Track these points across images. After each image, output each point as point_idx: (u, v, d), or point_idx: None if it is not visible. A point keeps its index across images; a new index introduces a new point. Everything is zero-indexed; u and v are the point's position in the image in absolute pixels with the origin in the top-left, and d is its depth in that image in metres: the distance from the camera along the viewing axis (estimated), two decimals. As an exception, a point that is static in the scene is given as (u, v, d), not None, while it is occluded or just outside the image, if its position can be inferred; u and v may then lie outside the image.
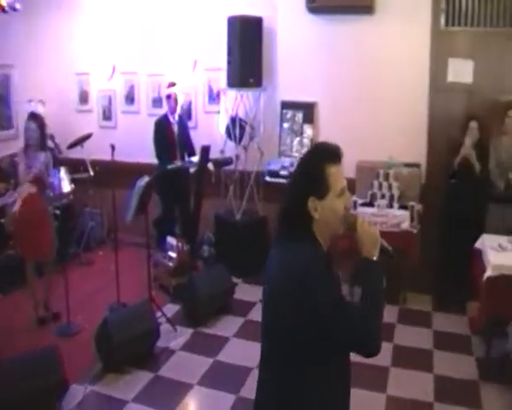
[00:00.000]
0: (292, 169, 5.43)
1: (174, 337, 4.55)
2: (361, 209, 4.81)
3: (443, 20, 5.58)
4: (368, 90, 5.61)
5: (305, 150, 5.76)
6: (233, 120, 5.83)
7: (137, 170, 5.12)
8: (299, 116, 5.83)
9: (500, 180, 4.85)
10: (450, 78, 5.55)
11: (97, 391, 3.82)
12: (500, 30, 5.50)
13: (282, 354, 1.72)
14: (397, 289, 4.87)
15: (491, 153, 4.95)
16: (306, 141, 5.73)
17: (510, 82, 5.43)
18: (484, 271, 4.16)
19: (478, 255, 4.47)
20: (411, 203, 4.74)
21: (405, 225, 4.60)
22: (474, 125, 5.01)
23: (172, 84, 5.87)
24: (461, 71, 5.55)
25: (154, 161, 5.75)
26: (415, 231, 4.57)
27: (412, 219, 4.62)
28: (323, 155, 1.79)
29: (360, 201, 5.02)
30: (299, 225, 1.74)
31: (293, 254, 1.71)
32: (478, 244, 4.51)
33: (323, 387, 1.71)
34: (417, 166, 5.27)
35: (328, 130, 5.70)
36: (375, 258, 1.74)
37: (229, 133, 5.87)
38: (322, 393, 1.71)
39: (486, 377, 3.94)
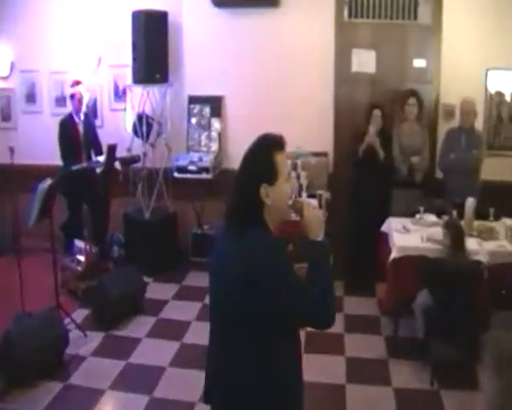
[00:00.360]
0: (200, 164, 5.38)
1: (84, 343, 4.37)
2: (270, 200, 4.81)
3: (346, 12, 5.72)
4: (275, 82, 5.66)
5: (213, 144, 5.72)
6: (140, 116, 5.68)
7: (41, 172, 4.85)
8: (207, 110, 5.78)
9: (403, 165, 5.03)
10: (355, 68, 5.70)
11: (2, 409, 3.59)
12: (400, 22, 5.72)
13: (254, 336, 1.82)
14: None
15: (394, 140, 5.12)
16: (214, 135, 5.69)
17: (410, 71, 5.67)
18: (390, 253, 4.30)
19: (384, 239, 4.62)
20: (319, 192, 4.81)
21: (314, 214, 4.65)
22: (377, 113, 5.16)
23: (77, 83, 5.64)
24: (364, 61, 5.71)
25: (59, 162, 5.50)
26: (323, 218, 4.63)
27: (320, 207, 4.68)
28: (271, 144, 1.94)
29: (269, 192, 5.00)
30: (252, 212, 1.84)
31: (254, 240, 1.81)
32: (384, 228, 4.66)
33: (291, 360, 1.92)
34: (325, 155, 5.37)
35: (236, 123, 5.69)
36: (320, 239, 1.89)
37: (135, 131, 5.71)
38: (291, 365, 1.92)
39: (395, 354, 4.08)
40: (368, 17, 5.73)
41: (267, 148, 1.92)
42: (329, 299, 1.83)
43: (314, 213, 1.96)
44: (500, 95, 5.62)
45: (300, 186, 4.97)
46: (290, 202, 1.92)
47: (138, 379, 3.94)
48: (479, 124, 5.32)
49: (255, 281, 1.76)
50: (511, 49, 5.52)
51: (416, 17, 5.77)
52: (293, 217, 1.96)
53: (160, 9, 5.68)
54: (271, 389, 1.85)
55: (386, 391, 3.69)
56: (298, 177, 5.02)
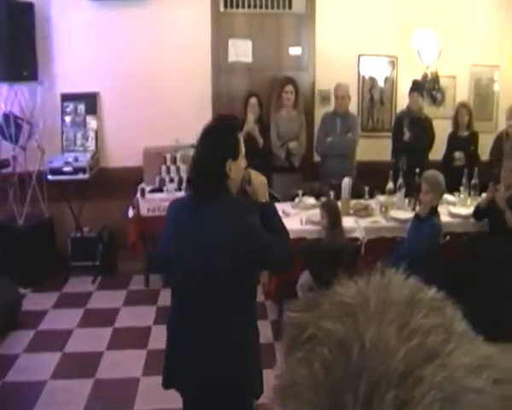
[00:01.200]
0: (76, 164, 5.09)
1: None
2: (150, 196, 4.66)
3: (222, 3, 5.70)
4: (152, 76, 5.48)
5: (90, 143, 5.46)
6: (6, 117, 5.26)
7: None
8: (82, 108, 5.47)
9: (281, 151, 5.09)
10: (232, 58, 5.69)
11: None
12: (275, 11, 5.79)
13: (237, 296, 2.13)
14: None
15: (271, 126, 5.16)
16: (91, 133, 5.42)
17: (286, 59, 5.76)
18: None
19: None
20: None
21: (195, 206, 4.58)
22: (254, 101, 5.17)
23: None
24: (241, 51, 5.72)
25: None
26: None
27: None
28: (233, 124, 2.33)
29: (149, 188, 4.84)
30: (220, 184, 2.13)
31: (234, 204, 2.17)
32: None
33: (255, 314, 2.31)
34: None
35: (113, 119, 5.45)
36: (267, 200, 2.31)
37: (3, 133, 5.29)
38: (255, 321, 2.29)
39: (280, 337, 4.09)
40: (243, 7, 5.76)
41: (232, 127, 2.28)
42: (288, 247, 2.24)
43: (260, 179, 2.32)
44: (372, 79, 5.86)
45: (180, 180, 4.85)
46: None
47: (16, 399, 3.66)
48: (353, 107, 5.51)
49: (240, 237, 2.07)
50: (382, 36, 5.78)
51: (290, 6, 5.88)
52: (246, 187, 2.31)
53: (24, 0, 5.30)
54: (256, 347, 2.20)
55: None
56: (178, 170, 4.90)
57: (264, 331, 4.22)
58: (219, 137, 2.22)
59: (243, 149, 2.22)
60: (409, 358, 0.39)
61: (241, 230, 2.08)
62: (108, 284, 4.88)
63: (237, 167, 2.17)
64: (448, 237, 4.21)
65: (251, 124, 5.04)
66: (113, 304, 4.53)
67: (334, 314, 0.44)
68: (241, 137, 2.25)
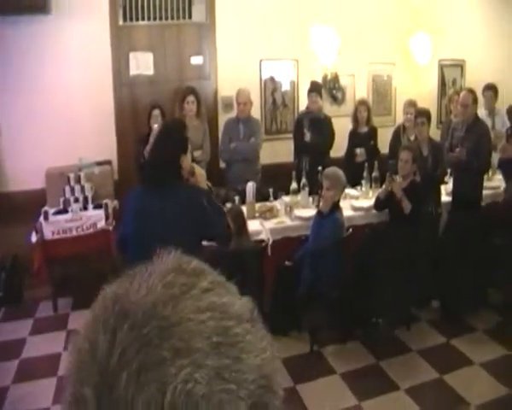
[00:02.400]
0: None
1: None
2: (54, 218, 4.53)
3: (121, 16, 5.63)
4: (53, 94, 5.29)
5: None
6: None
7: None
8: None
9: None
10: (133, 71, 5.64)
11: None
12: (176, 22, 5.79)
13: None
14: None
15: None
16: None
17: (188, 69, 5.78)
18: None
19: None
20: (105, 201, 4.64)
21: (101, 224, 4.50)
22: (156, 113, 5.12)
23: None
24: (142, 63, 5.69)
25: None
26: (111, 228, 4.50)
27: (107, 217, 4.53)
28: (182, 124, 2.91)
29: (52, 210, 4.68)
30: (177, 174, 2.64)
31: (192, 191, 2.72)
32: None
33: None
34: (109, 162, 5.21)
35: (11, 141, 5.20)
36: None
37: None
38: None
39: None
40: (143, 19, 5.72)
41: (183, 127, 2.82)
42: (226, 224, 2.87)
43: (201, 172, 2.90)
44: (274, 83, 5.99)
45: (86, 199, 4.74)
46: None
47: None
48: (256, 112, 5.61)
49: (197, 215, 2.59)
50: (282, 40, 5.92)
51: (190, 16, 5.90)
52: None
53: None
54: None
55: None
56: (82, 189, 4.77)
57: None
58: (175, 135, 2.75)
59: (188, 145, 2.75)
60: (155, 301, 0.50)
61: (197, 209, 2.60)
62: (13, 315, 4.67)
63: (186, 160, 2.70)
64: (351, 230, 4.36)
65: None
66: (19, 334, 4.34)
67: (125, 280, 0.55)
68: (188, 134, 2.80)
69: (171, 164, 2.64)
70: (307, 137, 5.18)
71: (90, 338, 0.50)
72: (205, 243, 3.03)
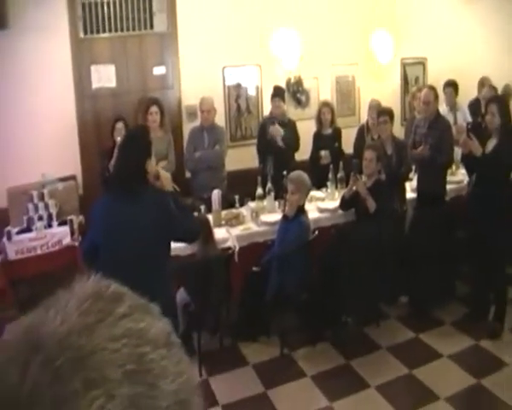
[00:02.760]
0: None
1: None
2: (17, 237, 4.48)
3: (81, 29, 5.60)
4: (13, 110, 5.26)
5: None
6: None
7: None
8: None
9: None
10: (95, 84, 5.62)
11: None
12: (137, 33, 5.79)
13: (163, 262, 2.84)
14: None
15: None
16: None
17: (151, 80, 5.78)
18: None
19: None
20: (70, 217, 4.60)
21: (67, 241, 4.46)
22: (120, 125, 5.08)
23: None
24: (104, 76, 5.67)
25: None
26: (77, 243, 4.47)
27: (73, 233, 4.49)
28: (145, 130, 3.06)
29: (16, 229, 4.60)
30: (143, 179, 2.73)
31: (158, 195, 2.78)
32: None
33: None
34: (73, 178, 5.18)
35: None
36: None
37: None
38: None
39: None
40: (104, 32, 5.69)
41: (145, 133, 2.94)
42: (193, 222, 3.12)
43: (166, 175, 2.98)
44: (238, 89, 6.02)
45: (50, 216, 4.69)
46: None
47: None
48: (220, 119, 5.63)
49: (165, 218, 2.70)
50: (244, 46, 5.95)
51: (152, 26, 5.90)
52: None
53: None
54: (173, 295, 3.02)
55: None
56: (46, 206, 4.73)
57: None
58: (138, 141, 2.84)
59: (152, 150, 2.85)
60: (69, 331, 0.49)
61: (164, 212, 2.70)
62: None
63: (150, 165, 2.80)
64: (317, 233, 4.39)
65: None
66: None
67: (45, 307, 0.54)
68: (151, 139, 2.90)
69: (137, 170, 2.72)
70: (279, 141, 5.19)
71: (1, 372, 0.48)
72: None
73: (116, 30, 5.75)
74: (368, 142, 5.38)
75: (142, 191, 2.73)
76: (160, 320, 0.57)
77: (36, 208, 4.69)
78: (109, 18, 5.69)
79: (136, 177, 2.73)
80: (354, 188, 4.65)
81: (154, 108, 5.13)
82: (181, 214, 2.83)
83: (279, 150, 5.20)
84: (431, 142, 4.85)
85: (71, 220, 4.52)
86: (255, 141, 5.61)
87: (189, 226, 2.94)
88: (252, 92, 6.07)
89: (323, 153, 5.43)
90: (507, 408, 3.53)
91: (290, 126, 5.37)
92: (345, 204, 4.78)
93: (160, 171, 2.95)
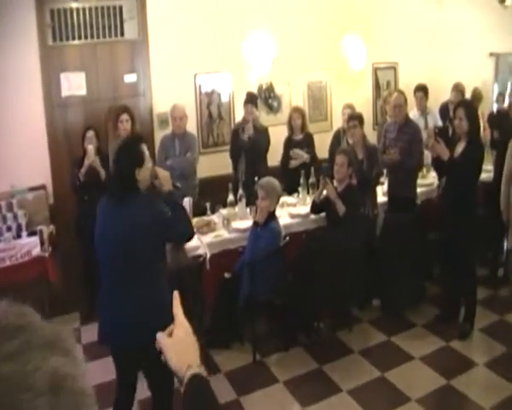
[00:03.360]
0: None
1: None
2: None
3: (50, 36, 5.53)
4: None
5: None
6: None
7: None
8: None
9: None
10: (65, 92, 5.55)
11: None
12: (108, 40, 5.74)
13: (153, 263, 2.87)
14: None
15: (110, 157, 5.05)
16: None
17: (122, 87, 5.72)
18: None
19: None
20: (40, 227, 4.54)
21: (36, 252, 4.40)
22: (90, 134, 5.04)
23: None
24: (74, 84, 5.61)
25: None
26: (47, 254, 4.41)
27: (42, 243, 4.43)
28: (138, 140, 3.02)
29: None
30: (131, 186, 2.81)
31: (148, 200, 2.84)
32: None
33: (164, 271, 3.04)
34: (43, 187, 5.10)
35: None
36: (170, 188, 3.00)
37: None
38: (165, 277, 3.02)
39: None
40: (74, 39, 5.63)
41: (136, 143, 2.94)
42: (187, 222, 3.06)
43: (164, 174, 3.01)
44: (209, 96, 6.01)
45: (19, 226, 4.63)
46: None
47: None
48: (192, 126, 5.62)
49: (150, 221, 2.76)
50: (216, 53, 5.94)
51: (122, 33, 5.85)
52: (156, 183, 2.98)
53: None
54: (169, 296, 2.82)
55: None
56: (15, 217, 4.67)
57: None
58: (128, 150, 2.91)
59: (148, 157, 2.91)
60: None
61: (150, 216, 2.77)
62: None
63: (144, 171, 2.86)
64: (288, 238, 4.41)
65: (92, 156, 4.90)
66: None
67: None
68: (144, 147, 2.91)
69: (126, 178, 2.82)
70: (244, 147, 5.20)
71: None
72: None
73: (86, 37, 5.69)
74: (343, 145, 5.42)
75: (131, 197, 2.82)
76: (65, 357, 0.52)
77: (4, 219, 4.62)
78: (79, 25, 5.63)
79: (125, 184, 2.83)
80: (325, 192, 4.68)
81: (124, 116, 5.10)
82: (173, 215, 2.86)
83: (250, 156, 5.21)
84: (400, 145, 4.92)
85: (41, 231, 4.46)
86: (227, 147, 5.61)
87: (177, 228, 2.92)
88: (223, 99, 6.07)
89: (293, 152, 5.44)
90: (476, 407, 3.59)
91: (262, 132, 5.38)
92: (315, 208, 4.81)
93: (158, 171, 3.02)
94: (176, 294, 1.29)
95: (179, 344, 1.16)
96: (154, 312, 2.58)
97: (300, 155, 5.42)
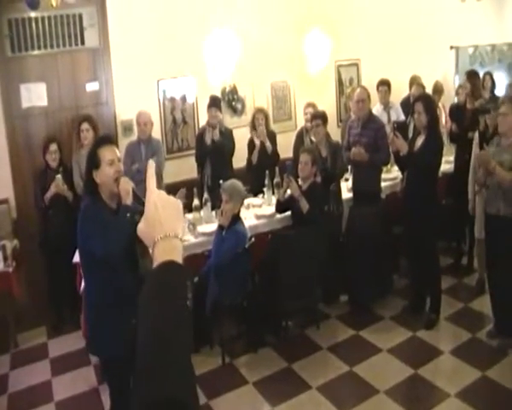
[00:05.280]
0: None
1: None
2: None
3: (9, 47, 5.46)
4: None
5: None
6: None
7: None
8: None
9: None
10: (25, 103, 5.49)
11: None
12: (67, 49, 5.69)
13: (94, 270, 2.90)
14: (6, 336, 4.56)
15: (74, 168, 5.02)
16: None
17: (85, 96, 5.69)
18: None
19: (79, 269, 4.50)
20: (3, 242, 4.48)
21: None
22: (53, 147, 4.93)
23: None
24: (34, 95, 5.55)
25: None
26: (10, 269, 4.36)
27: (6, 259, 4.38)
28: (97, 143, 2.95)
29: None
30: (90, 190, 2.83)
31: (84, 209, 2.84)
32: (76, 259, 4.54)
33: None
34: (5, 201, 5.04)
35: None
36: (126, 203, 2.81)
37: None
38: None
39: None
40: (33, 49, 5.57)
41: (95, 146, 2.93)
42: (123, 236, 2.75)
43: (125, 187, 2.80)
44: (173, 101, 6.01)
45: (-20, 242, 4.58)
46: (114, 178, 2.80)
47: None
48: (157, 132, 5.61)
49: (79, 229, 2.79)
50: (178, 58, 5.94)
51: (83, 42, 5.81)
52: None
53: None
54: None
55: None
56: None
57: (88, 378, 4.10)
58: (88, 154, 2.93)
59: (107, 159, 2.80)
60: None
61: (80, 222, 2.79)
62: None
63: (102, 174, 2.80)
64: (253, 240, 4.42)
65: (60, 186, 4.76)
66: None
67: None
68: (101, 149, 2.83)
69: (86, 180, 2.89)
70: (209, 150, 5.22)
71: None
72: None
73: (46, 47, 5.63)
74: (307, 144, 5.46)
75: (85, 200, 2.89)
76: None
77: (-36, 235, 4.56)
78: (38, 35, 5.57)
79: (86, 187, 2.92)
80: (289, 191, 4.71)
81: (85, 126, 5.05)
82: (113, 225, 2.72)
83: (215, 160, 5.22)
84: (365, 141, 4.96)
85: (3, 246, 4.41)
86: (192, 152, 5.62)
87: (112, 238, 2.69)
88: (187, 103, 6.07)
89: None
90: (442, 394, 3.67)
91: (227, 135, 5.40)
92: (280, 206, 4.84)
93: (122, 181, 2.77)
94: (151, 162, 1.08)
95: (149, 215, 0.97)
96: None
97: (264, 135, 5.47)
